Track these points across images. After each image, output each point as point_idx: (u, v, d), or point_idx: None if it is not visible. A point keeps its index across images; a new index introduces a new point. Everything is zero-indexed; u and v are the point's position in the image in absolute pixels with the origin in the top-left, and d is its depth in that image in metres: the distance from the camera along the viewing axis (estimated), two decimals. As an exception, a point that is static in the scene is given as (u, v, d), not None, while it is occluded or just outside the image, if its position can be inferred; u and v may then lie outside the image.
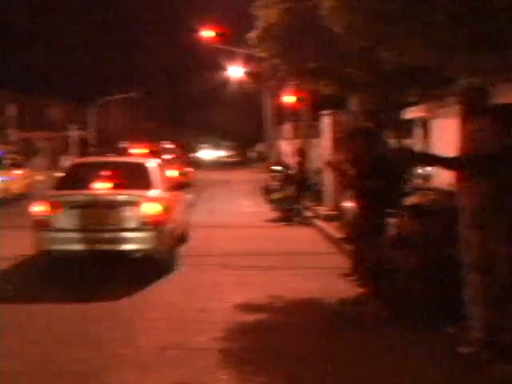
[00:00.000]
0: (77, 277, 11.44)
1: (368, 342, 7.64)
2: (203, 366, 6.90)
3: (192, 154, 70.59)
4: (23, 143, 57.64)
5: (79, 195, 11.40)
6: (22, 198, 26.65)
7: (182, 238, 13.69)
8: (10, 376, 6.65)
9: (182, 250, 13.16)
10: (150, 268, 11.62)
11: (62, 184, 11.99)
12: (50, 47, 67.04)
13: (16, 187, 26.49)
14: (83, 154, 53.08)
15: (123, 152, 28.37)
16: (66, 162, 59.53)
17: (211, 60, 46.61)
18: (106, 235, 11.03)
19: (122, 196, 11.22)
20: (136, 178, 11.76)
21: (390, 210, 9.25)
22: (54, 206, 11.09)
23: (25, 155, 57.73)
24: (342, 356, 7.22)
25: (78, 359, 7.11)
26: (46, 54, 64.69)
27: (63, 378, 6.65)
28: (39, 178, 47.55)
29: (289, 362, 7.02)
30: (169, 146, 34.54)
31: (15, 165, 27.90)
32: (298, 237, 16.22)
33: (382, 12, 7.37)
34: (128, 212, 11.00)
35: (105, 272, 11.63)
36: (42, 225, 11.08)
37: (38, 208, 11.21)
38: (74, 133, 63.65)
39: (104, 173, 11.54)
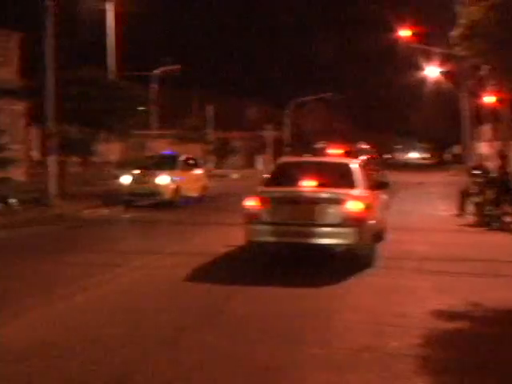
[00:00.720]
0: (278, 269, 12.15)
1: None
2: (399, 371, 6.75)
3: (386, 155, 69.95)
4: (220, 143, 59.51)
5: (287, 192, 12.12)
6: (196, 200, 26.36)
7: (379, 236, 13.73)
8: (200, 366, 6.85)
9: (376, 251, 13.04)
10: (346, 269, 11.77)
11: (271, 181, 12.79)
12: (246, 50, 68.82)
13: (188, 189, 25.63)
14: (278, 153, 54.09)
15: (320, 152, 28.34)
16: (260, 161, 60.87)
17: (407, 60, 45.89)
18: (311, 230, 11.61)
19: (327, 194, 11.78)
20: (340, 177, 12.45)
21: None
22: (264, 201, 11.83)
23: (221, 154, 59.99)
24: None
25: (272, 355, 7.18)
26: (243, 57, 66.51)
27: (254, 374, 6.74)
28: (234, 176, 49.22)
29: (491, 377, 6.70)
30: (364, 146, 34.33)
31: (190, 165, 27.34)
32: (497, 243, 15.53)
33: None
34: (332, 209, 11.56)
35: (304, 266, 12.29)
36: (252, 218, 11.86)
37: (249, 203, 11.99)
38: (269, 133, 65.04)
39: (309, 172, 12.39)
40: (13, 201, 20.97)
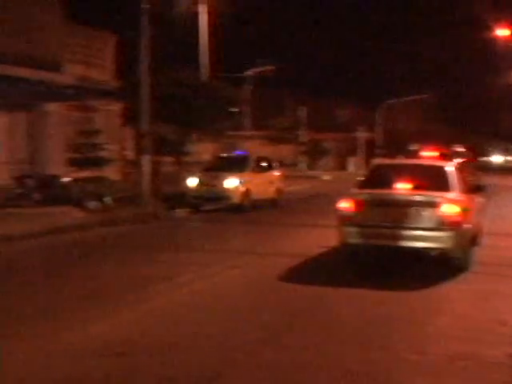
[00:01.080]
0: (371, 272, 12.12)
1: None
2: (495, 380, 6.52)
3: (481, 158, 68.32)
4: (312, 144, 59.39)
5: (381, 194, 12.05)
6: (268, 204, 24.61)
7: (475, 241, 13.34)
8: (292, 368, 6.75)
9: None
10: (440, 273, 11.54)
11: (365, 183, 12.72)
12: (339, 50, 68.45)
13: (259, 192, 23.76)
14: (370, 155, 53.56)
15: (414, 154, 27.80)
16: (352, 163, 60.36)
17: (505, 60, 44.72)
18: (405, 233, 11.46)
19: (422, 196, 11.64)
20: (435, 180, 12.24)
21: None
22: (358, 203, 11.77)
23: (313, 155, 59.84)
24: None
25: (365, 360, 7.04)
26: (335, 57, 66.23)
27: (347, 378, 6.60)
28: (326, 177, 49.00)
29: None
30: (459, 149, 33.61)
31: (263, 167, 25.41)
32: None
33: None
34: (427, 212, 11.41)
35: (397, 270, 12.18)
36: (345, 220, 11.81)
37: (343, 205, 11.94)
38: (361, 134, 64.53)
39: (404, 174, 12.32)
40: (108, 199, 21.39)
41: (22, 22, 24.08)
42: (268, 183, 24.98)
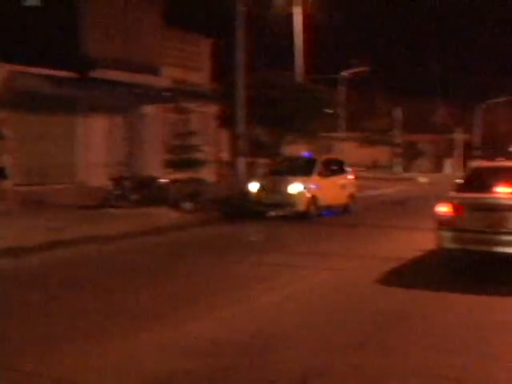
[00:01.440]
0: (470, 277, 11.76)
1: None
2: None
3: None
4: (407, 145, 58.66)
5: (481, 198, 11.71)
6: (339, 211, 23.05)
7: None
8: (385, 375, 6.61)
9: None
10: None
11: (463, 186, 12.42)
12: (436, 50, 67.25)
13: (328, 198, 21.93)
14: (467, 157, 52.43)
15: (512, 156, 26.92)
16: (448, 164, 58.96)
17: None
18: (505, 238, 11.15)
19: None
20: None
21: None
22: (457, 207, 11.53)
23: (409, 157, 59.08)
24: None
25: (463, 368, 6.81)
26: (433, 57, 65.13)
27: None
28: (421, 180, 48.24)
29: None
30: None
31: (333, 170, 23.31)
32: None
33: None
34: None
35: (494, 275, 11.84)
36: (443, 224, 11.61)
37: (441, 208, 11.73)
38: (458, 136, 63.28)
39: (505, 177, 11.98)
40: (203, 200, 21.66)
41: (121, 26, 24.69)
42: (339, 188, 22.91)
